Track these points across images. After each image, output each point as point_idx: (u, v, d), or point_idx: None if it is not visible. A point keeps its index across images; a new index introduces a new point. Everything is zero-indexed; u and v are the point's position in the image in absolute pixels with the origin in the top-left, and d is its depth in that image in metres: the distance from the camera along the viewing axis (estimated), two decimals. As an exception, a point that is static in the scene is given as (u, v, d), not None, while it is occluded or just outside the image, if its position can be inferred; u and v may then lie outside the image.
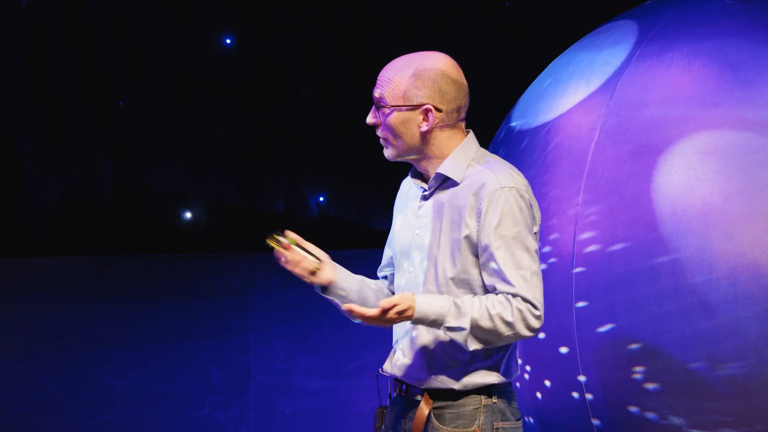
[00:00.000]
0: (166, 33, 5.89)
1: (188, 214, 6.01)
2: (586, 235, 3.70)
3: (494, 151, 4.14)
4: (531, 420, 3.97)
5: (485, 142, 4.42)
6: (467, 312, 2.81)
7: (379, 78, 2.99)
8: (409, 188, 3.11)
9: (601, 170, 3.71)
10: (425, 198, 3.00)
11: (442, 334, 2.90)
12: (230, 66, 5.98)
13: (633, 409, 3.60)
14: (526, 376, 3.93)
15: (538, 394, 3.89)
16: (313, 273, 3.01)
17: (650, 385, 3.55)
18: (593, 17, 4.51)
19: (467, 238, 2.89)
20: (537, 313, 2.83)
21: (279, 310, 5.88)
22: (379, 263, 3.21)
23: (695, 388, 3.47)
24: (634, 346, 3.56)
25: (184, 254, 5.96)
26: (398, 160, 3.01)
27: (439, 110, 2.93)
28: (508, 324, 2.80)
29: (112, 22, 5.79)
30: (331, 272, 3.03)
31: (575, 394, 3.74)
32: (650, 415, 3.56)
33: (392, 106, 2.95)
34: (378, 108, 2.99)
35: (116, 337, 5.67)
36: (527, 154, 4.01)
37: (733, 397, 3.43)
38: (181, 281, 5.83)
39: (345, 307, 2.81)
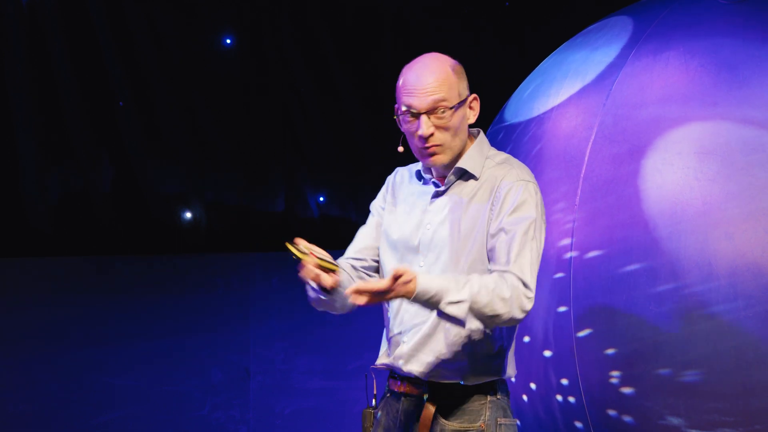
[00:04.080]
0: (166, 33, 5.89)
1: (188, 214, 6.01)
2: (585, 236, 3.70)
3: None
4: (518, 422, 3.98)
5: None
6: (466, 286, 2.80)
7: (423, 86, 2.95)
8: (407, 183, 3.12)
9: (599, 170, 3.70)
10: (439, 194, 3.02)
11: (452, 328, 2.91)
12: (230, 66, 5.98)
13: (631, 409, 3.60)
14: (513, 378, 3.94)
15: (524, 397, 3.90)
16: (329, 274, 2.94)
17: (648, 386, 3.55)
18: (594, 18, 4.50)
19: (485, 226, 2.93)
20: (529, 294, 2.85)
21: (279, 310, 5.88)
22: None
23: (695, 388, 3.47)
24: (632, 346, 3.56)
25: (184, 254, 5.96)
26: (445, 163, 3.00)
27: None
28: (504, 300, 2.80)
29: (112, 22, 5.79)
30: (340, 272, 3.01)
31: (559, 397, 3.75)
32: (651, 416, 3.56)
33: (455, 105, 2.96)
34: (433, 114, 2.94)
35: (116, 337, 5.68)
36: (523, 153, 4.01)
37: (732, 397, 3.43)
38: (181, 281, 5.83)
39: (349, 290, 2.74)
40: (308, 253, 2.89)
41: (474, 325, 2.82)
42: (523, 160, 3.95)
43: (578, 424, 3.71)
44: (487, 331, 2.95)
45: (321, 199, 6.06)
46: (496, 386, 2.99)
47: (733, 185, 3.47)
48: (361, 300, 2.76)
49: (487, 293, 2.79)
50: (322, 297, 2.97)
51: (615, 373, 3.60)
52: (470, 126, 3.04)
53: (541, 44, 4.78)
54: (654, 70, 3.74)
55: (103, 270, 5.79)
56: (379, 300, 2.79)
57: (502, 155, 3.05)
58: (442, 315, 2.81)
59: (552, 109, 3.99)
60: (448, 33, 5.96)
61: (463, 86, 2.99)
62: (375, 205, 3.18)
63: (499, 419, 2.97)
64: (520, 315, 2.83)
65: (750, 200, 3.45)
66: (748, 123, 3.52)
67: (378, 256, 3.14)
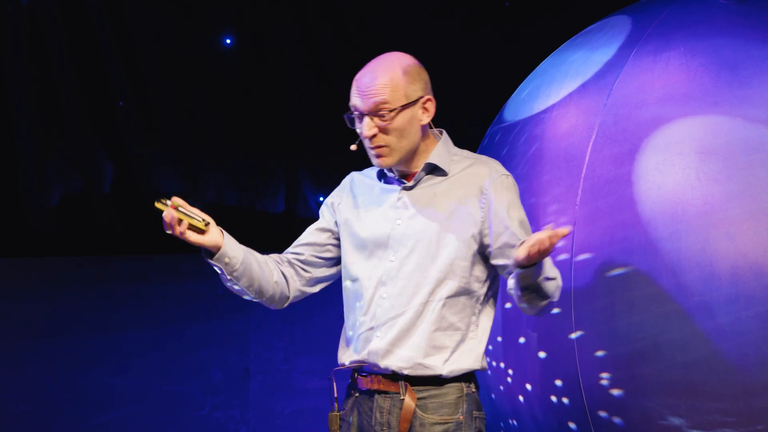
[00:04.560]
0: (166, 33, 5.88)
1: (188, 214, 5.99)
2: (583, 236, 3.69)
3: (491, 153, 4.14)
4: (515, 422, 3.98)
5: (478, 142, 4.41)
6: (554, 266, 2.89)
7: (366, 88, 2.99)
8: (366, 184, 3.16)
9: (600, 170, 3.70)
10: (408, 189, 3.05)
11: (432, 323, 2.94)
12: (230, 66, 5.98)
13: (630, 410, 3.60)
14: (509, 379, 3.95)
15: (521, 398, 3.90)
16: (200, 232, 3.00)
17: (648, 386, 3.55)
18: (594, 17, 4.50)
19: (472, 223, 2.97)
20: (557, 296, 2.96)
21: (279, 310, 5.86)
22: None
23: (695, 388, 3.47)
24: (630, 346, 3.56)
25: (184, 254, 5.95)
26: (394, 165, 3.03)
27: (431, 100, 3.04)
28: (558, 290, 2.92)
29: (112, 22, 5.79)
30: (218, 236, 3.03)
31: (553, 398, 3.76)
32: (651, 416, 3.56)
33: (400, 107, 2.97)
34: (376, 115, 2.98)
35: (116, 337, 5.67)
36: (521, 153, 4.01)
37: (734, 397, 3.43)
38: (181, 281, 5.82)
39: (548, 232, 2.72)
40: (170, 205, 2.93)
41: (543, 304, 2.88)
42: (521, 160, 3.95)
43: (573, 425, 3.71)
44: (462, 324, 2.98)
45: (321, 199, 6.06)
46: (470, 378, 3.04)
47: (735, 185, 3.47)
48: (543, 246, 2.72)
49: (558, 279, 2.88)
50: (207, 260, 3.03)
51: (615, 373, 3.60)
52: (431, 126, 3.07)
53: (541, 44, 4.78)
54: (655, 70, 3.74)
55: (103, 270, 5.78)
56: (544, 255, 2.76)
57: (467, 152, 3.11)
58: (528, 288, 2.83)
59: (552, 109, 3.99)
60: (448, 33, 5.96)
61: (413, 88, 2.99)
62: (324, 210, 3.22)
63: (474, 412, 3.02)
64: (548, 310, 2.94)
65: (751, 200, 3.45)
66: (750, 122, 3.52)
67: (321, 253, 3.18)
